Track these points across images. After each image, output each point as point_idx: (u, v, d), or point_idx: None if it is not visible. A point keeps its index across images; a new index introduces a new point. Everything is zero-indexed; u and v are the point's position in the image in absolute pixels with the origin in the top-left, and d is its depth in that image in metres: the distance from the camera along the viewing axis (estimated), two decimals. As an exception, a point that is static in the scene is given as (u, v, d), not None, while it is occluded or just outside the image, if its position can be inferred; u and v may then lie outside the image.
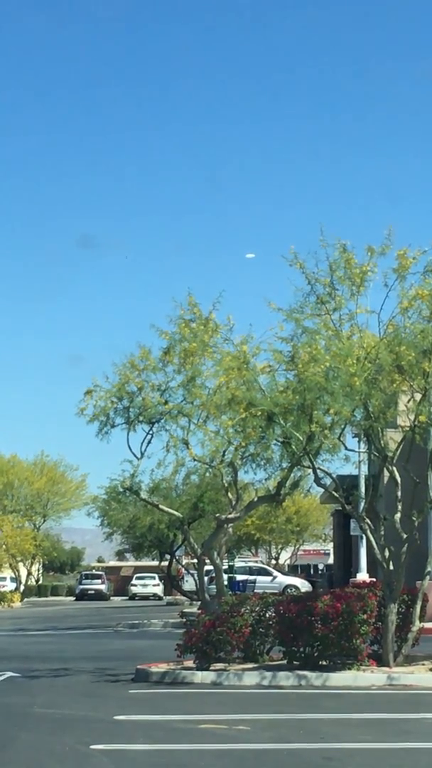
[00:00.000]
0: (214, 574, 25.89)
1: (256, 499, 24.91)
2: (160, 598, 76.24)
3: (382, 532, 21.59)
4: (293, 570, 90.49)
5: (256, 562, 73.05)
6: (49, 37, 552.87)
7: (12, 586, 79.69)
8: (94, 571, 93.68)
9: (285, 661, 20.79)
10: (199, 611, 23.02)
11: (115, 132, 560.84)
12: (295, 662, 20.55)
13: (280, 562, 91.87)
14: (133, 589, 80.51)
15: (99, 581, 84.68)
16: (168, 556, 62.38)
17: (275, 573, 60.34)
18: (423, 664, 20.73)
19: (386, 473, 21.96)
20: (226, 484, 24.05)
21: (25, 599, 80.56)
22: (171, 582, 65.74)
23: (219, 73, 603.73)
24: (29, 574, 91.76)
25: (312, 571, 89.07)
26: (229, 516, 23.47)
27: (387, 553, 21.23)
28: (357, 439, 25.29)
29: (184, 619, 22.56)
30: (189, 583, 64.53)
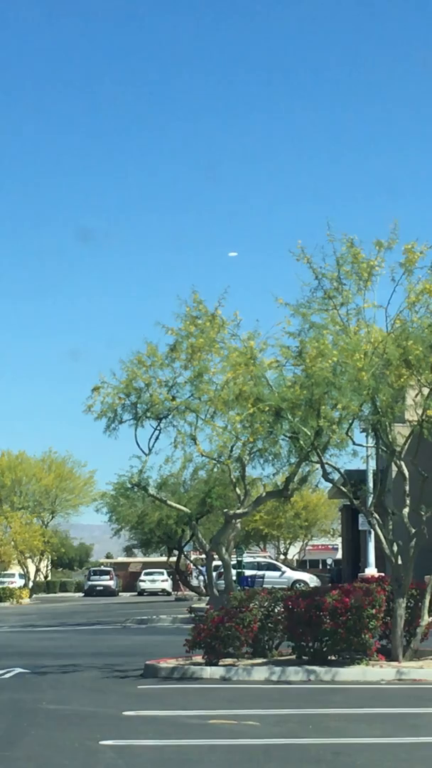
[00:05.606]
0: (222, 570, 25.91)
1: (264, 494, 24.92)
2: (168, 594, 76.32)
3: (391, 527, 21.57)
4: (302, 565, 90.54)
5: (265, 557, 73.06)
6: (47, 31, 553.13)
7: (20, 582, 79.73)
8: (102, 567, 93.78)
9: (294, 656, 20.80)
10: (208, 607, 23.03)
11: (114, 126, 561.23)
12: (304, 657, 20.57)
13: (289, 557, 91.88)
14: (142, 585, 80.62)
15: (107, 577, 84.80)
16: (176, 552, 62.50)
17: (284, 568, 60.33)
18: (432, 659, 20.72)
19: (394, 468, 21.95)
20: (234, 480, 24.07)
21: (34, 595, 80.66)
22: (179, 577, 65.88)
23: (219, 68, 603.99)
24: (38, 570, 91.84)
25: (320, 566, 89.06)
26: (237, 511, 23.47)
27: (395, 548, 21.21)
28: (365, 433, 25.27)
29: (193, 615, 22.57)
30: (198, 579, 64.64)
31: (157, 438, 22.36)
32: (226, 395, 21.02)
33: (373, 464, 35.97)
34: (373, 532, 27.98)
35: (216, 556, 24.27)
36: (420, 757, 12.25)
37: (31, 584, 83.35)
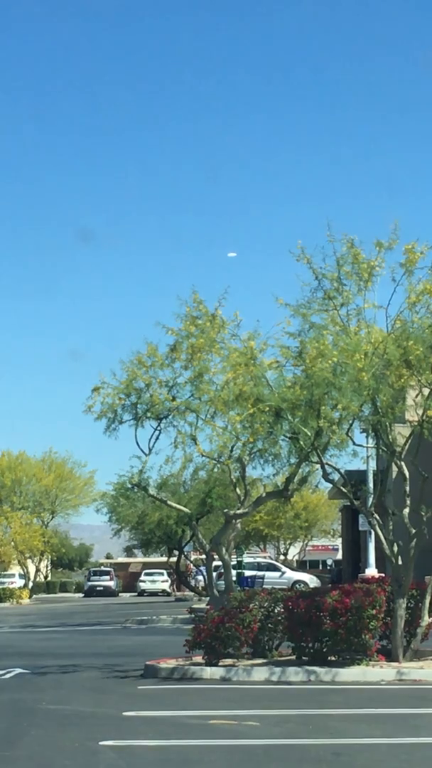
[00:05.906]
0: (222, 570, 25.89)
1: (264, 494, 24.91)
2: (168, 594, 76.31)
3: (391, 528, 21.56)
4: (302, 566, 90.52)
5: (265, 557, 73.06)
6: (47, 30, 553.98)
7: (20, 582, 79.74)
8: (102, 568, 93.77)
9: (294, 657, 20.79)
10: (208, 607, 23.02)
11: (114, 126, 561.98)
12: (303, 658, 20.56)
13: (289, 557, 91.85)
14: (142, 585, 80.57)
15: (107, 578, 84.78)
16: (176, 552, 62.50)
17: (284, 569, 60.31)
18: (432, 659, 20.71)
19: (394, 468, 21.93)
20: (234, 480, 24.06)
21: (34, 596, 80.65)
22: (180, 578, 65.87)
23: (219, 68, 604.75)
24: (38, 570, 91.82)
25: (321, 567, 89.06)
26: (238, 512, 23.46)
27: (395, 549, 21.20)
28: (365, 434, 25.22)
29: (193, 615, 22.55)
30: (195, 579, 64.63)
31: (157, 438, 22.37)
32: (226, 395, 21.01)
33: (373, 464, 35.96)
34: (373, 533, 27.98)
35: (216, 557, 24.26)
36: (420, 757, 12.24)
37: (31, 584, 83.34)
